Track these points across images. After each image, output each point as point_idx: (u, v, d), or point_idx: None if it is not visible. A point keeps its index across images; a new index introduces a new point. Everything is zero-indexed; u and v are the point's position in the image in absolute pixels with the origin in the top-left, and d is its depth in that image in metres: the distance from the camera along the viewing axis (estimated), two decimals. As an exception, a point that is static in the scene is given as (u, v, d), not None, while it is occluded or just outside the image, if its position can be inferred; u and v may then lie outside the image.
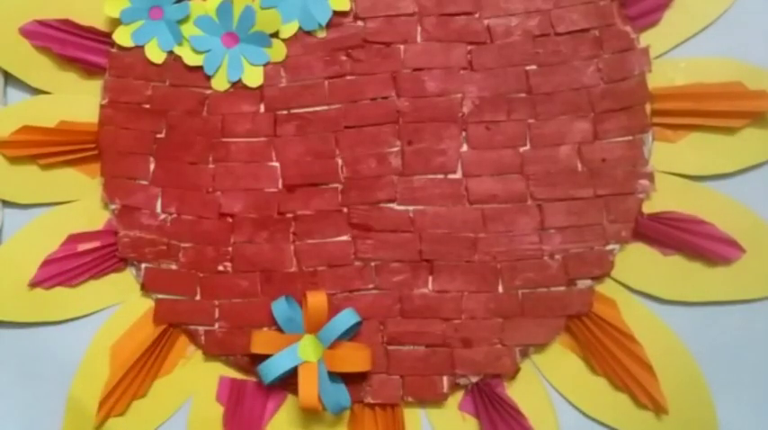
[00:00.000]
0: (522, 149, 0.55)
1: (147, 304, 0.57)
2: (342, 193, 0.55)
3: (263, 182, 0.56)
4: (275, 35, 0.56)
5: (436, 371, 0.54)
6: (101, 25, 0.57)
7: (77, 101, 0.58)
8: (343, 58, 0.56)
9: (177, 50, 0.56)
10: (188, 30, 0.56)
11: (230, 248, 0.56)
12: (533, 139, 0.55)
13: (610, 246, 0.54)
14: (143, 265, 0.57)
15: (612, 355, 0.53)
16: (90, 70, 0.57)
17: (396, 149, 0.55)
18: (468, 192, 0.55)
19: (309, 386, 0.53)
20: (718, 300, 0.54)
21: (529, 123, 0.55)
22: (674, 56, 0.55)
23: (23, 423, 0.57)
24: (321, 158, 0.56)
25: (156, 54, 0.57)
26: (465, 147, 0.55)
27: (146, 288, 0.57)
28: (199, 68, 0.56)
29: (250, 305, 0.56)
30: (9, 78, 0.58)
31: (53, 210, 0.58)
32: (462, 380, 0.54)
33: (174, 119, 0.57)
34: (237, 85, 0.56)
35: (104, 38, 0.57)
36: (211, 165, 0.56)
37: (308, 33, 0.56)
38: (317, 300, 0.53)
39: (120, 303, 0.57)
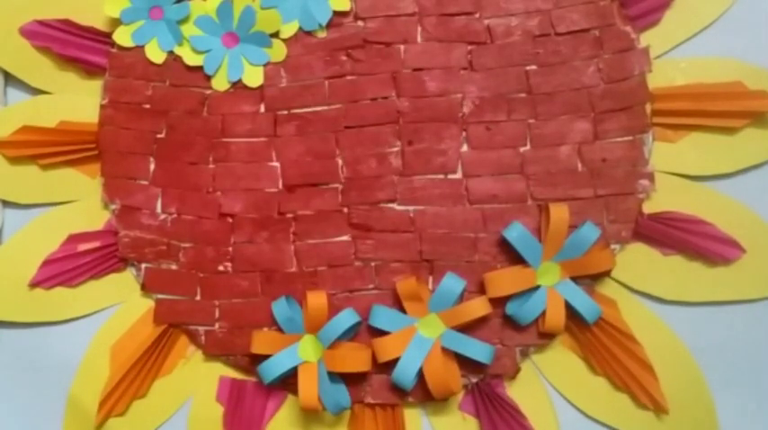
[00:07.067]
0: (522, 149, 0.55)
1: (147, 304, 0.57)
2: (342, 193, 0.55)
3: (264, 182, 0.56)
4: (275, 35, 0.56)
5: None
6: (101, 25, 0.57)
7: (77, 101, 0.58)
8: (344, 58, 0.56)
9: (177, 50, 0.56)
10: (188, 30, 0.56)
11: (230, 248, 0.56)
12: (533, 139, 0.55)
13: (610, 246, 0.54)
14: (143, 265, 0.57)
15: (612, 355, 0.54)
16: (90, 70, 0.57)
17: (396, 149, 0.55)
18: (468, 192, 0.55)
19: (309, 386, 0.53)
20: (718, 300, 0.54)
21: (529, 123, 0.55)
22: (674, 56, 0.55)
23: (23, 423, 0.57)
24: (321, 158, 0.56)
25: (156, 54, 0.57)
26: (465, 148, 0.55)
27: (146, 288, 0.57)
28: (199, 68, 0.56)
29: (250, 305, 0.56)
30: (9, 78, 0.58)
31: (53, 210, 0.58)
32: (463, 380, 0.54)
33: (175, 119, 0.57)
34: (237, 85, 0.56)
35: (104, 38, 0.57)
36: (211, 166, 0.56)
37: (309, 33, 0.56)
38: (317, 300, 0.53)
39: (120, 303, 0.57)
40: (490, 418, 0.54)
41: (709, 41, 0.55)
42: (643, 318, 0.54)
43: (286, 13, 0.56)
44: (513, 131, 0.55)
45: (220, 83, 0.56)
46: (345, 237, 0.55)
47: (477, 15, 0.55)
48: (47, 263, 0.56)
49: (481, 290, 0.54)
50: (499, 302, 0.54)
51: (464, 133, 0.55)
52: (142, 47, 0.57)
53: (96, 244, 0.57)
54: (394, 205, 0.55)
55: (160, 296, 0.57)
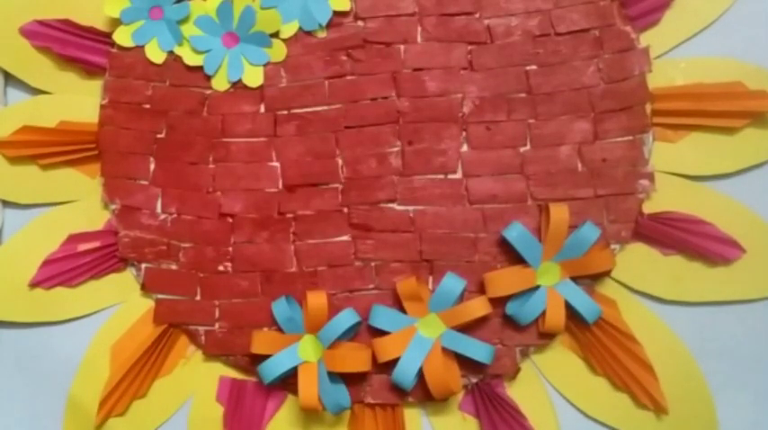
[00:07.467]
0: (522, 149, 0.55)
1: (148, 304, 0.57)
2: (342, 193, 0.55)
3: (264, 182, 0.56)
4: (275, 35, 0.56)
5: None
6: (101, 25, 0.57)
7: (77, 101, 0.58)
8: (344, 58, 0.56)
9: (177, 50, 0.56)
10: (188, 30, 0.56)
11: (230, 248, 0.56)
12: (533, 139, 0.55)
13: (610, 246, 0.54)
14: (143, 265, 0.57)
15: (612, 355, 0.54)
16: (90, 70, 0.57)
17: (396, 149, 0.55)
18: (468, 192, 0.55)
19: (309, 386, 0.53)
20: (718, 300, 0.54)
21: (529, 123, 0.55)
22: (674, 56, 0.55)
23: (23, 423, 0.57)
24: (321, 158, 0.56)
25: (156, 54, 0.57)
26: (465, 148, 0.55)
27: (146, 288, 0.57)
28: (199, 68, 0.56)
29: (250, 305, 0.56)
30: (9, 78, 0.58)
31: (53, 210, 0.58)
32: (463, 380, 0.54)
33: (174, 119, 0.57)
34: (237, 85, 0.56)
35: (104, 38, 0.57)
36: (211, 165, 0.56)
37: (308, 33, 0.56)
38: (317, 300, 0.53)
39: (120, 303, 0.57)
40: (490, 418, 0.54)
41: (709, 41, 0.55)
42: (643, 318, 0.54)
43: (286, 13, 0.56)
44: (513, 131, 0.55)
45: (220, 83, 0.56)
46: (345, 237, 0.55)
47: (477, 15, 0.55)
48: (47, 263, 0.56)
49: (481, 290, 0.54)
50: (499, 302, 0.54)
51: (464, 133, 0.55)
52: (142, 47, 0.57)
53: (96, 244, 0.57)
54: (394, 205, 0.55)
55: (160, 296, 0.57)
